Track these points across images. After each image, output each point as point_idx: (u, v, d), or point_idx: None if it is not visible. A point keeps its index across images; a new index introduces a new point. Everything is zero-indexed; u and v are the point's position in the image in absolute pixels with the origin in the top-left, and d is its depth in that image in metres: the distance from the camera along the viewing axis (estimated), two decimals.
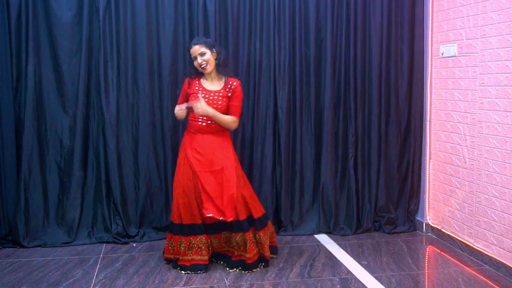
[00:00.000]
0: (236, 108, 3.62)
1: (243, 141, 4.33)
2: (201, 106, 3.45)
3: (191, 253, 3.51)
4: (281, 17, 4.27)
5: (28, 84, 3.97)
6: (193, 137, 3.58)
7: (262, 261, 3.60)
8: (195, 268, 3.50)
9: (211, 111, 3.48)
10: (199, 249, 3.50)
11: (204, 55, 3.52)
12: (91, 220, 4.20)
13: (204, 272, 3.50)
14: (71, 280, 3.41)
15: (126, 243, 4.13)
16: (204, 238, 3.51)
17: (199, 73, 3.65)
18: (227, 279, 3.42)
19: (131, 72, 4.15)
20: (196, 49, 3.52)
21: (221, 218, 3.43)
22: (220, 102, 3.57)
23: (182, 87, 3.71)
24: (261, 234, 3.55)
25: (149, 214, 4.28)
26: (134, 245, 4.12)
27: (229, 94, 3.60)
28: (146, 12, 4.11)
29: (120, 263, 3.73)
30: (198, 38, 3.68)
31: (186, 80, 3.69)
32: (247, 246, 3.48)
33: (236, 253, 3.59)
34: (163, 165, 4.25)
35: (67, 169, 4.13)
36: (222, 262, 3.65)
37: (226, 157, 3.57)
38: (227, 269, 3.57)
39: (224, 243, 3.65)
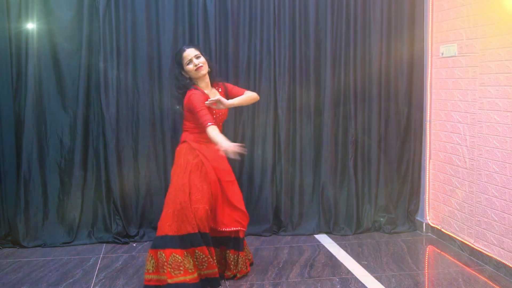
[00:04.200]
0: (240, 89, 3.53)
1: (243, 141, 4.32)
2: (221, 101, 3.25)
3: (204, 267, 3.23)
4: (281, 17, 4.27)
5: (28, 84, 3.97)
6: (204, 147, 3.34)
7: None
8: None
9: (231, 101, 3.34)
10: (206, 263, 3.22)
11: (199, 57, 3.33)
12: (91, 220, 4.21)
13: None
14: (71, 280, 3.42)
15: (126, 243, 4.13)
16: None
17: (192, 84, 3.37)
18: (227, 279, 3.42)
19: (131, 72, 4.15)
20: (191, 51, 3.32)
21: (237, 228, 3.33)
22: (225, 109, 3.41)
23: (201, 98, 3.22)
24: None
25: (149, 214, 4.28)
26: (134, 245, 4.12)
27: (224, 92, 3.48)
28: (146, 12, 4.11)
29: (120, 263, 3.73)
30: (187, 44, 3.61)
31: (201, 92, 3.31)
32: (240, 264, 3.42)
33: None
34: (163, 165, 4.25)
35: (67, 169, 4.13)
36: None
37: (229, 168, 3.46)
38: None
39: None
